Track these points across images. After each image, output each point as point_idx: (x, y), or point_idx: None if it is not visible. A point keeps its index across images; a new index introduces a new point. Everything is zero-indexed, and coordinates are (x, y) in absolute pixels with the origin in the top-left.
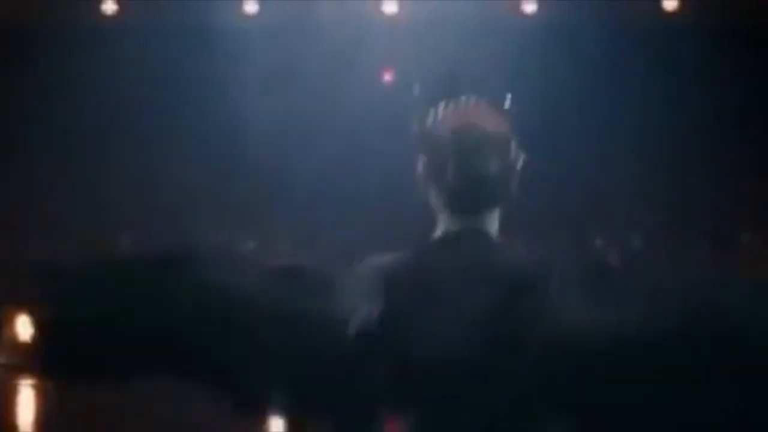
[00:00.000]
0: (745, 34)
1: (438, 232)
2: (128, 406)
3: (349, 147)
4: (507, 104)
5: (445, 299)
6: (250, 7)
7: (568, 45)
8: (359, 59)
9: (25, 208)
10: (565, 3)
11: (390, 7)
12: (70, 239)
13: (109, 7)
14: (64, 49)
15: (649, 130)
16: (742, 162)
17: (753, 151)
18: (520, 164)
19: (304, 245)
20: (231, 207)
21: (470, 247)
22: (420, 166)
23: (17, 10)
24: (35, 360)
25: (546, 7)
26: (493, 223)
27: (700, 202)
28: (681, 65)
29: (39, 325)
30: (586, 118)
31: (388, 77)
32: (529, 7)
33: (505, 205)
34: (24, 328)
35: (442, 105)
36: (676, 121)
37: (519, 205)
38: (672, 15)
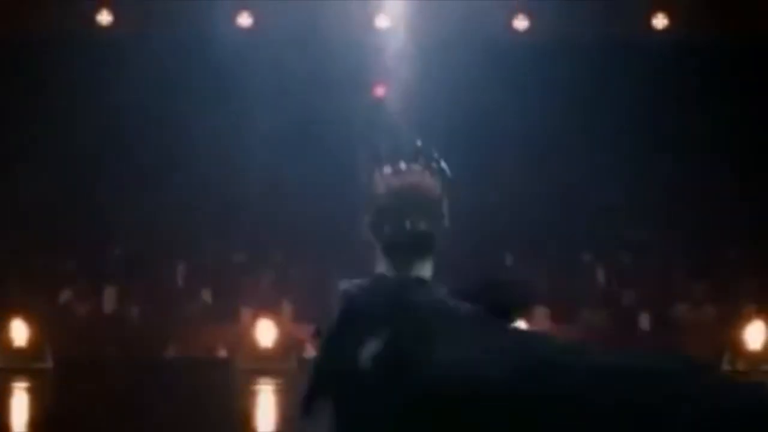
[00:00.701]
0: (737, 50)
1: (377, 271)
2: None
3: (342, 160)
4: (440, 168)
5: (375, 330)
6: (245, 20)
7: (559, 61)
8: (352, 73)
9: (22, 213)
10: (557, 20)
11: (382, 22)
12: (67, 247)
13: (104, 18)
14: (58, 59)
15: (641, 145)
16: (732, 178)
17: (746, 167)
18: (447, 222)
19: (296, 258)
20: (223, 217)
21: (396, 290)
22: (364, 222)
23: (13, 20)
24: None
25: (537, 24)
26: (424, 268)
27: (691, 218)
28: (672, 81)
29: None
30: (575, 132)
31: (379, 92)
32: (521, 24)
33: (434, 257)
34: (18, 332)
35: (383, 169)
36: (668, 136)
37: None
38: (661, 31)
